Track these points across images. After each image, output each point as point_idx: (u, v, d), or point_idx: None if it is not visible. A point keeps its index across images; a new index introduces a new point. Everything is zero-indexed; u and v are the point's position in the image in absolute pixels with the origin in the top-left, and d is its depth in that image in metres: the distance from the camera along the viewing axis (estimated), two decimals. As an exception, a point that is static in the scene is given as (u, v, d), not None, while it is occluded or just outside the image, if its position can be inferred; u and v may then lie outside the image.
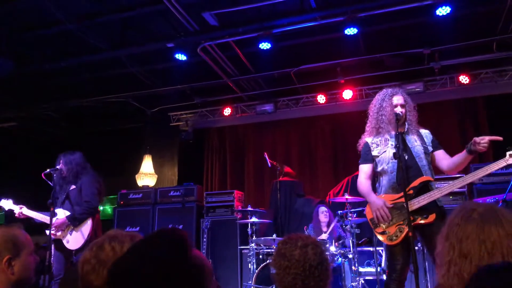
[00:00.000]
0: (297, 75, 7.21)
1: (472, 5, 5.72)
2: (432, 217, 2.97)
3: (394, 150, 3.14)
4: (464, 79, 6.92)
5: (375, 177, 3.38)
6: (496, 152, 6.79)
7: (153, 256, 1.05)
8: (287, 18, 5.67)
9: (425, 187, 3.08)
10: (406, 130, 3.27)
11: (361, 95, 7.55)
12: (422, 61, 6.76)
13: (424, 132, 3.34)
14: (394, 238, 3.06)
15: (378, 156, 3.27)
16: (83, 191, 4.31)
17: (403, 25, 6.13)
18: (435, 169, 3.28)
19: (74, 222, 4.22)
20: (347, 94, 7.38)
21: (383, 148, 3.26)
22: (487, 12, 5.86)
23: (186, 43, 6.06)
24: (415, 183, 3.06)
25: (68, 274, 2.02)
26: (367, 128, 3.44)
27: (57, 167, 4.27)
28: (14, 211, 4.35)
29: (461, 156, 3.05)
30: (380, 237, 3.18)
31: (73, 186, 4.35)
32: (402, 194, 3.04)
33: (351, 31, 5.56)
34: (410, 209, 2.97)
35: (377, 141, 3.31)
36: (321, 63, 6.91)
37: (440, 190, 3.01)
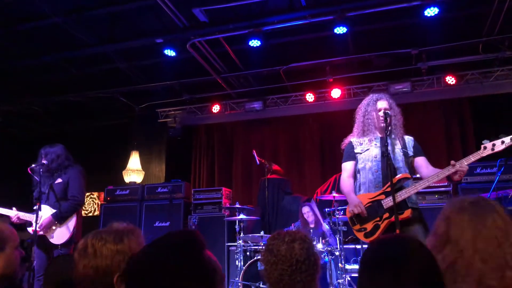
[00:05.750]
0: (286, 73, 7.22)
1: (460, 7, 5.79)
2: (407, 212, 3.01)
3: (378, 150, 3.25)
4: (450, 79, 7.02)
5: (356, 174, 3.43)
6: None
7: (168, 255, 1.06)
8: (277, 16, 5.68)
9: (403, 184, 3.13)
10: (389, 133, 3.31)
11: (349, 94, 7.60)
12: (409, 61, 6.83)
13: (408, 138, 3.41)
14: (370, 234, 3.14)
15: (360, 153, 3.36)
16: (71, 185, 4.23)
17: (392, 25, 6.18)
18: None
19: (60, 220, 4.15)
20: (336, 93, 7.42)
21: (366, 147, 3.35)
22: (474, 14, 5.94)
23: (175, 39, 6.03)
24: (394, 180, 3.10)
25: (51, 268, 2.00)
26: (354, 130, 3.53)
27: (43, 161, 4.20)
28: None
29: (441, 173, 2.99)
30: (357, 235, 3.26)
31: (59, 180, 4.26)
32: (380, 192, 3.16)
33: (340, 30, 5.59)
34: (387, 206, 3.08)
35: (360, 141, 3.40)
36: (310, 62, 6.94)
37: (416, 186, 3.05)
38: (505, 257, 1.24)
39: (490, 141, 2.83)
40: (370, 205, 3.17)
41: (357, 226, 3.22)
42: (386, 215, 3.09)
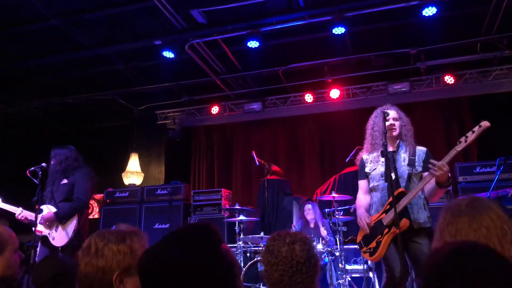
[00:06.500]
0: (285, 74, 7.22)
1: (458, 7, 5.79)
2: (403, 221, 2.96)
3: (383, 168, 3.17)
4: (449, 79, 7.03)
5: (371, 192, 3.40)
6: (480, 152, 6.94)
7: (184, 247, 1.04)
8: (276, 17, 5.69)
9: (399, 199, 3.07)
10: (397, 147, 3.27)
11: (348, 95, 7.60)
12: (408, 61, 6.84)
13: (419, 150, 3.27)
14: (374, 252, 3.16)
15: (370, 173, 3.34)
16: (76, 186, 4.20)
17: (390, 25, 6.19)
18: None
19: (60, 219, 4.14)
20: (335, 93, 7.43)
21: (374, 165, 3.32)
22: (472, 13, 5.95)
23: (174, 40, 6.03)
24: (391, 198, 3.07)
25: (37, 268, 2.00)
26: (364, 146, 3.50)
27: (43, 164, 4.18)
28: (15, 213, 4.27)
29: (427, 177, 2.94)
30: (364, 256, 3.30)
31: (65, 180, 4.24)
32: (381, 212, 3.17)
33: (338, 30, 5.60)
34: (386, 222, 3.09)
35: (370, 158, 3.37)
36: (309, 62, 6.94)
37: (407, 196, 3.01)
38: (505, 253, 1.25)
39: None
40: (373, 226, 3.21)
41: (364, 248, 3.28)
42: (386, 230, 3.10)
